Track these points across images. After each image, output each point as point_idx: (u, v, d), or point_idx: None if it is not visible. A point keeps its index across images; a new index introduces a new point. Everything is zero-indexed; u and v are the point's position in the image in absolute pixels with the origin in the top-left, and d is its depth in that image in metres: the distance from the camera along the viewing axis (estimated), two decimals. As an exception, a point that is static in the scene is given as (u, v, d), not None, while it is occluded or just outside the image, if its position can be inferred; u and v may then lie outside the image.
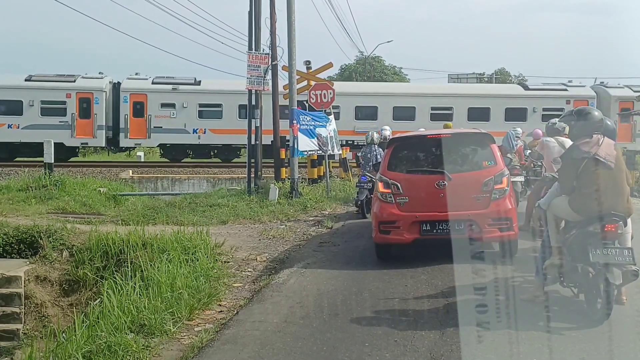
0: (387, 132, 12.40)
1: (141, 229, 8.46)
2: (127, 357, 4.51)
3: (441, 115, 24.28)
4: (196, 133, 24.43)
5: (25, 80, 23.96)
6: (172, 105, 24.29)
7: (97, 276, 8.06)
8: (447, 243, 6.55)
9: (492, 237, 6.83)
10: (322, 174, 14.93)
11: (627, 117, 25.30)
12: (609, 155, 4.86)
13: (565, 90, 26.05)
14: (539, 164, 9.38)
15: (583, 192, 4.89)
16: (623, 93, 25.87)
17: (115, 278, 6.43)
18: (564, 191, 5.12)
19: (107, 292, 5.76)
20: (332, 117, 15.24)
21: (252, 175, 13.50)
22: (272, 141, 14.76)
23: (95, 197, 13.64)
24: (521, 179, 10.23)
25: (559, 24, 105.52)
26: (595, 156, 4.83)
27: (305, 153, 13.76)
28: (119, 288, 5.89)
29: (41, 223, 9.41)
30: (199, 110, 24.45)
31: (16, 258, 8.71)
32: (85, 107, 23.72)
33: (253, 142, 13.46)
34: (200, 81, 25.11)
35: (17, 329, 8.02)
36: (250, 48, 13.60)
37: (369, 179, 10.68)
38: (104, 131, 23.97)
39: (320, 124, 14.14)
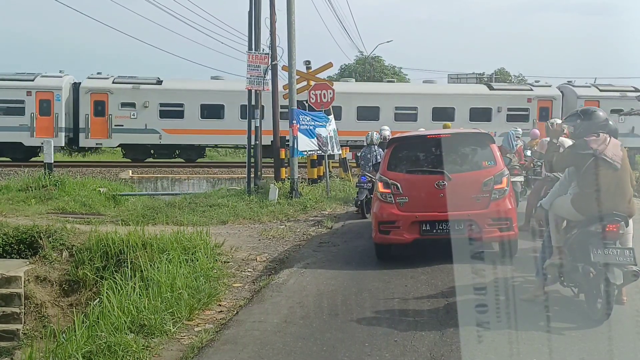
0: (387, 132, 12.41)
1: (141, 229, 8.46)
2: (127, 357, 4.51)
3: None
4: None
5: None
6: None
7: (97, 276, 8.06)
8: (447, 243, 6.55)
9: (492, 237, 6.83)
10: (322, 174, 14.93)
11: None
12: (616, 156, 4.86)
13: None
14: (539, 164, 9.37)
15: (586, 192, 4.89)
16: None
17: (115, 278, 6.43)
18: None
19: (107, 292, 5.76)
20: (331, 117, 15.25)
21: (252, 175, 13.51)
22: (272, 141, 14.75)
23: (95, 197, 13.64)
24: (521, 179, 10.23)
25: (559, 24, 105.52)
26: (602, 155, 4.84)
27: (305, 153, 13.76)
28: (119, 288, 5.89)
29: (41, 223, 9.41)
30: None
31: (16, 258, 8.71)
32: None
33: (253, 142, 13.46)
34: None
35: (17, 329, 8.02)
36: (250, 48, 13.60)
37: (369, 179, 10.67)
38: None
39: (320, 124, 14.13)
